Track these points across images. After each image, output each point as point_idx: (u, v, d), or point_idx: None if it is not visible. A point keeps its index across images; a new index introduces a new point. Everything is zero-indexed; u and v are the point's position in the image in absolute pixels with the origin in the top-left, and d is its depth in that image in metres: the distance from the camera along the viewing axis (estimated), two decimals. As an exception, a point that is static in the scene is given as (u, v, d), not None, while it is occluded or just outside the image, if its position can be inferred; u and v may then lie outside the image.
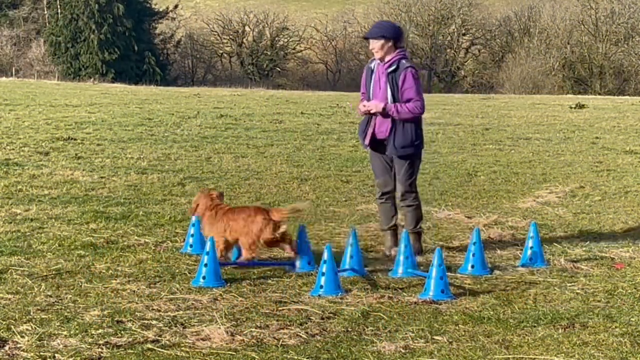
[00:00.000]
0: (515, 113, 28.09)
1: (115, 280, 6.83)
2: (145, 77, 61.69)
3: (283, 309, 6.18)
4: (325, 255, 6.64)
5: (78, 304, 6.13)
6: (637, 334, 5.73)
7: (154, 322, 5.77)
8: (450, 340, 5.57)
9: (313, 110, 26.61)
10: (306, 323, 5.88)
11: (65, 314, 5.88)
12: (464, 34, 73.38)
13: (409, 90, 7.86)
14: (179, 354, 5.20)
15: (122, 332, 5.54)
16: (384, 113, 7.89)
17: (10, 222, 8.90)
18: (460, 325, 5.88)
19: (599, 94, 56.23)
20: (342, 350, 5.34)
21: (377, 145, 8.10)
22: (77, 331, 5.51)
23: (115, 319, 5.80)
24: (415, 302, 6.45)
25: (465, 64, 73.65)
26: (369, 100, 8.07)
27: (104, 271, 7.10)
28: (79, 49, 63.38)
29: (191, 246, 7.92)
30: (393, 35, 7.93)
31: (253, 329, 5.67)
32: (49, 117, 21.11)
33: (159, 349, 5.26)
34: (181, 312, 6.04)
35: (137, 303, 6.19)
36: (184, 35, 73.98)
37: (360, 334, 5.68)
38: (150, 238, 8.39)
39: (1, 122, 19.51)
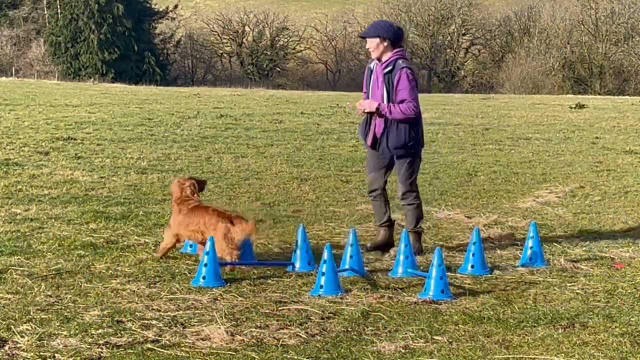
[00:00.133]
0: (515, 113, 28.09)
1: (115, 280, 6.82)
2: (145, 77, 61.69)
3: (283, 309, 6.18)
4: (325, 255, 6.65)
5: (78, 304, 6.13)
6: (637, 334, 5.73)
7: (154, 322, 5.77)
8: (450, 340, 5.57)
9: (313, 110, 26.61)
10: (306, 323, 5.88)
11: (65, 314, 5.88)
12: (464, 34, 73.38)
13: (402, 91, 7.87)
14: (179, 354, 5.20)
15: (122, 332, 5.54)
16: (378, 113, 7.93)
17: (10, 222, 8.90)
18: (460, 325, 5.88)
19: (599, 94, 56.23)
20: (342, 350, 5.34)
21: (376, 144, 8.13)
22: (77, 331, 5.51)
23: (115, 319, 5.80)
24: (415, 302, 6.45)
25: (465, 64, 73.66)
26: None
27: (104, 271, 7.10)
28: (79, 49, 63.38)
29: (191, 246, 7.92)
30: (389, 35, 7.94)
31: (253, 329, 5.67)
32: (49, 117, 21.11)
33: (159, 349, 5.26)
34: (181, 312, 6.04)
35: (137, 303, 6.19)
36: (183, 35, 73.97)
37: (360, 334, 5.68)
38: (150, 238, 8.39)
39: (1, 122, 19.51)
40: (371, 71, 8.13)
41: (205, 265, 6.75)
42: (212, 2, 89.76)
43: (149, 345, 5.31)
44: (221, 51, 75.64)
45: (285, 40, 76.04)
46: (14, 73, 57.77)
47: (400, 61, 7.92)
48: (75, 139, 16.65)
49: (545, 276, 7.38)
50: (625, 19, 64.58)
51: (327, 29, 76.76)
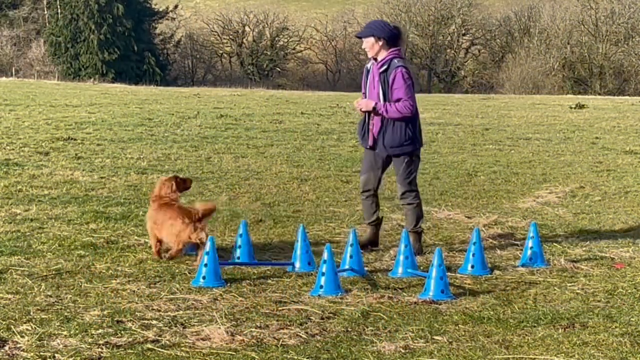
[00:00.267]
0: (515, 113, 28.08)
1: (115, 280, 6.83)
2: (145, 77, 61.68)
3: (283, 309, 6.18)
4: (325, 255, 6.65)
5: (78, 304, 6.13)
6: (637, 334, 5.73)
7: (154, 322, 5.77)
8: (450, 340, 5.58)
9: (313, 110, 26.60)
10: (306, 323, 5.88)
11: (65, 314, 5.88)
12: (464, 34, 73.37)
13: (398, 90, 7.90)
14: (179, 354, 5.21)
15: (122, 332, 5.54)
16: (375, 112, 7.97)
17: (10, 222, 8.90)
18: (460, 325, 5.88)
19: (599, 94, 56.22)
20: (342, 350, 5.34)
21: (376, 145, 8.15)
22: (77, 331, 5.51)
23: (115, 319, 5.80)
24: (415, 302, 6.45)
25: (465, 64, 73.64)
26: None
27: (104, 271, 7.10)
28: (79, 49, 63.37)
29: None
30: (383, 34, 7.97)
31: (253, 329, 5.68)
32: (49, 117, 21.10)
33: (159, 349, 5.26)
34: (181, 312, 6.04)
35: (137, 303, 6.19)
36: (183, 35, 73.97)
37: (360, 334, 5.68)
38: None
39: (1, 122, 19.51)
40: (368, 71, 8.18)
41: (206, 265, 6.75)
42: (212, 2, 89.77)
43: (149, 345, 5.31)
44: (221, 51, 75.64)
45: (285, 40, 76.05)
46: (14, 73, 57.76)
47: (395, 60, 7.96)
48: (75, 139, 16.65)
49: (545, 276, 7.38)
50: (625, 19, 64.57)
51: (327, 29, 76.77)
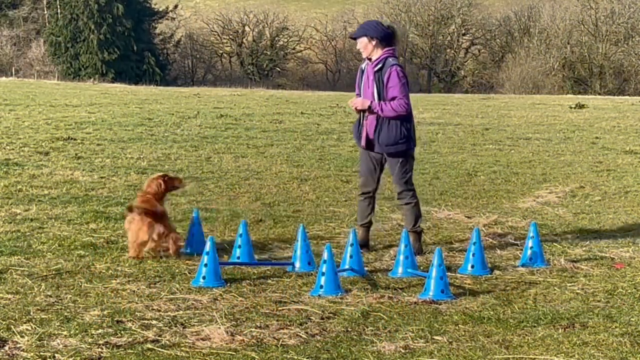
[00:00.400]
0: (515, 113, 28.08)
1: (115, 280, 6.83)
2: (145, 77, 61.67)
3: (283, 309, 6.18)
4: (325, 255, 6.65)
5: (78, 304, 6.13)
6: (637, 334, 5.73)
7: (154, 322, 5.77)
8: (450, 340, 5.58)
9: (313, 110, 26.60)
10: (306, 323, 5.88)
11: (65, 314, 5.88)
12: (464, 34, 73.37)
13: (393, 88, 7.93)
14: (179, 354, 5.20)
15: (122, 332, 5.54)
16: (370, 111, 7.99)
17: (10, 222, 8.90)
18: (460, 325, 5.88)
19: (599, 94, 56.21)
20: (342, 350, 5.34)
21: (370, 144, 8.17)
22: (77, 331, 5.51)
23: (115, 319, 5.80)
24: (415, 302, 6.45)
25: (465, 64, 73.64)
26: None
27: (104, 271, 7.10)
28: (79, 49, 63.37)
29: (191, 246, 7.92)
30: (377, 34, 8.01)
31: (253, 329, 5.67)
32: (48, 117, 21.10)
33: (159, 349, 5.26)
34: (181, 312, 6.04)
35: (137, 303, 6.19)
36: (183, 35, 73.96)
37: (360, 334, 5.68)
38: (150, 238, 8.38)
39: (1, 122, 19.51)
40: (362, 71, 8.23)
41: (205, 265, 6.75)
42: (212, 2, 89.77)
43: (149, 345, 5.31)
44: (221, 51, 75.63)
45: (285, 40, 76.04)
46: (14, 73, 57.76)
47: (390, 59, 8.00)
48: (75, 139, 16.65)
49: (545, 276, 7.38)
50: (625, 19, 64.57)
51: (327, 29, 76.77)
